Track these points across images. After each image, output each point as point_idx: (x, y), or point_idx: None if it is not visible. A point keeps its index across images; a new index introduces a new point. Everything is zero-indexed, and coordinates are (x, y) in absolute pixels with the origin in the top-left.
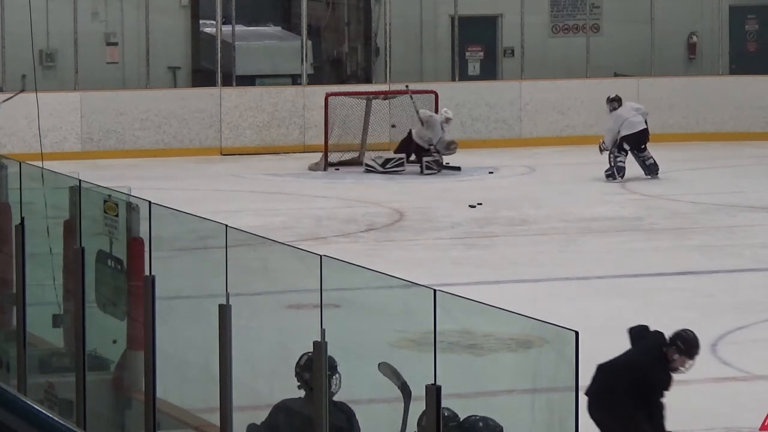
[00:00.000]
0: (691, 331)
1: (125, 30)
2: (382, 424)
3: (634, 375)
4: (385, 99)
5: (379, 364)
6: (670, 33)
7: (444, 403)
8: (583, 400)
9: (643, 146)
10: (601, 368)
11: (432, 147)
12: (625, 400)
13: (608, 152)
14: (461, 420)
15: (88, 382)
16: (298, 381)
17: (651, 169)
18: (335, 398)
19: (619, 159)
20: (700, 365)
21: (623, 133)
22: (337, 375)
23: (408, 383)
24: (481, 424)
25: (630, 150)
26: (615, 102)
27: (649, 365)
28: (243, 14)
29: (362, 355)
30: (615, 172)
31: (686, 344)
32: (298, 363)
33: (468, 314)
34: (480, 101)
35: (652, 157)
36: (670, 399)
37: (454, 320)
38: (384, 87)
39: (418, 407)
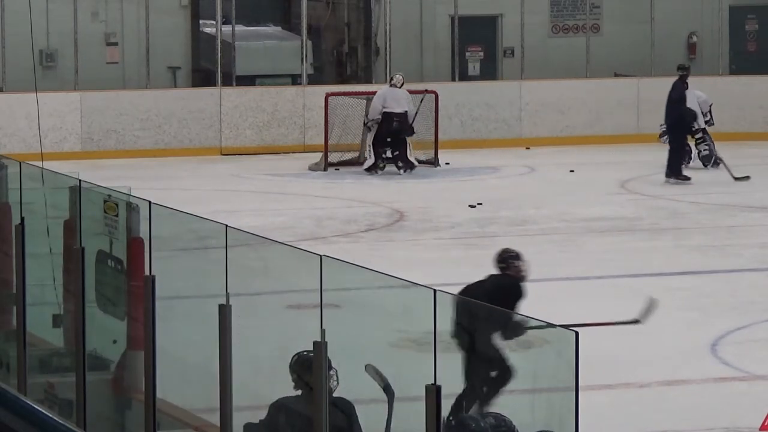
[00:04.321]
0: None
1: (125, 30)
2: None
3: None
4: None
5: (365, 366)
6: (670, 33)
7: (444, 404)
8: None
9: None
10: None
11: None
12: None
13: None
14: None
15: (88, 382)
16: (293, 379)
17: (705, 160)
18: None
19: (699, 147)
20: (700, 365)
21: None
22: (333, 371)
23: (391, 385)
24: (494, 421)
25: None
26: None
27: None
28: (243, 14)
29: (362, 355)
30: (703, 162)
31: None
32: (291, 361)
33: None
34: (480, 101)
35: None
36: (669, 399)
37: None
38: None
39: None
